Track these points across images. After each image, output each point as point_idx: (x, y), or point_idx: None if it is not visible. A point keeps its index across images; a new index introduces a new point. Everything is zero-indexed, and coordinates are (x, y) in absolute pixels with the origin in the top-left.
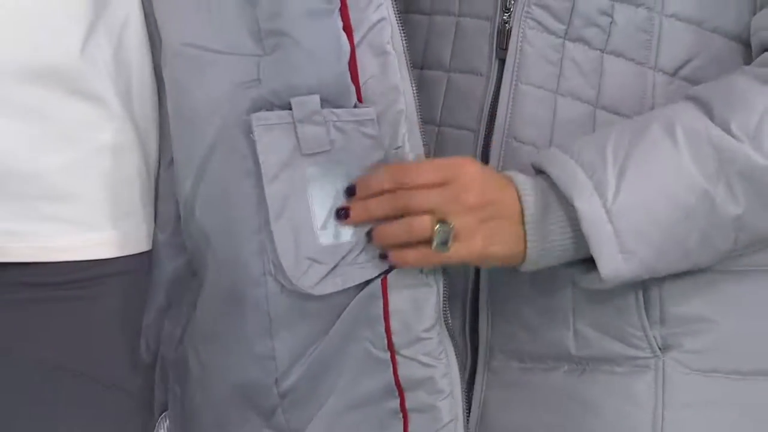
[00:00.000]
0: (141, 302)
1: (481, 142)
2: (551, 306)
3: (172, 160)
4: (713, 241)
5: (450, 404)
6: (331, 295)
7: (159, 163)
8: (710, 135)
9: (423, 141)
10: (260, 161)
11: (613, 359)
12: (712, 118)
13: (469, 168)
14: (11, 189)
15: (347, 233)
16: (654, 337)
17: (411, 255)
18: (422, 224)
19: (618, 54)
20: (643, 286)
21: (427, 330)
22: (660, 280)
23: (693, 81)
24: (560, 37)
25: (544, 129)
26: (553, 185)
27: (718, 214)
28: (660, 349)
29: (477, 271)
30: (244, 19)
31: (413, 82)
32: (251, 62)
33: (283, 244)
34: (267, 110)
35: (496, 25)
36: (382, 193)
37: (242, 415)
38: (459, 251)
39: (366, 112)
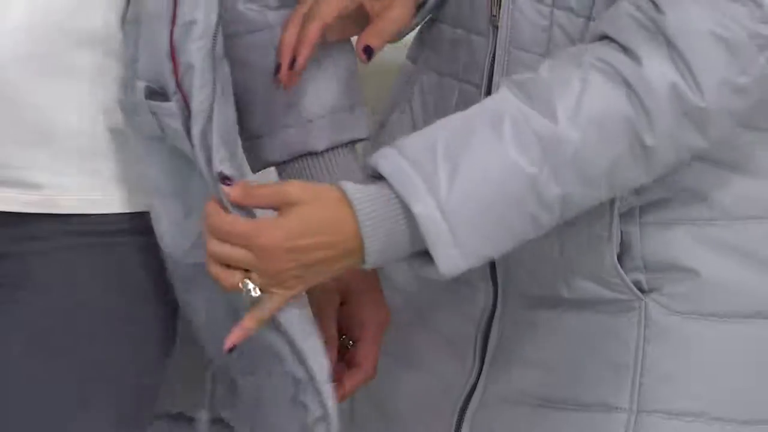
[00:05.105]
0: None
1: (483, 98)
2: (541, 251)
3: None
4: (540, 221)
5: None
6: None
7: None
8: (531, 123)
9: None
10: None
11: (601, 302)
12: (532, 105)
13: (272, 233)
14: (64, 146)
15: None
16: (638, 281)
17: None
18: (229, 280)
19: None
20: (621, 242)
21: None
22: (640, 234)
23: None
24: (548, 5)
25: None
26: (388, 189)
27: (545, 197)
28: (643, 291)
29: None
30: None
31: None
32: None
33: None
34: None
35: None
36: None
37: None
38: (278, 301)
39: (169, 107)
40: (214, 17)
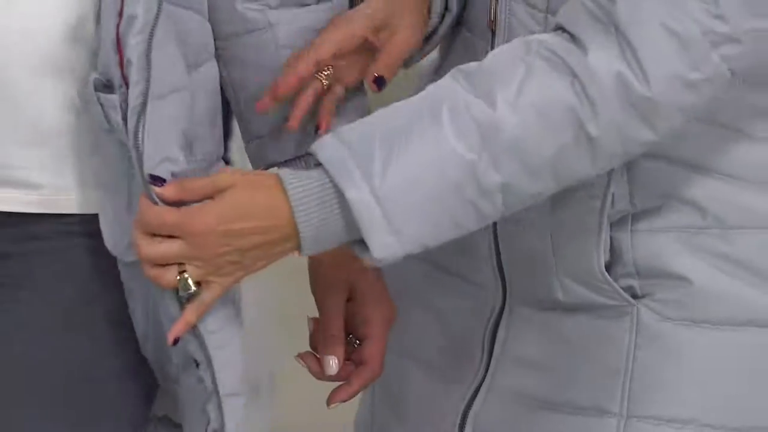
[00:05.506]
0: None
1: None
2: (538, 254)
3: None
4: (482, 210)
5: None
6: None
7: None
8: (471, 110)
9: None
10: None
11: (594, 307)
12: (475, 92)
13: (203, 218)
14: (63, 146)
15: None
16: (631, 287)
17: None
18: (165, 277)
19: None
20: (612, 249)
21: None
22: (631, 241)
23: None
24: (542, 11)
25: None
26: (324, 175)
27: (484, 184)
28: (636, 297)
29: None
30: None
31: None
32: None
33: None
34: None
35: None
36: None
37: None
38: (216, 290)
39: (112, 99)
40: (152, 14)
